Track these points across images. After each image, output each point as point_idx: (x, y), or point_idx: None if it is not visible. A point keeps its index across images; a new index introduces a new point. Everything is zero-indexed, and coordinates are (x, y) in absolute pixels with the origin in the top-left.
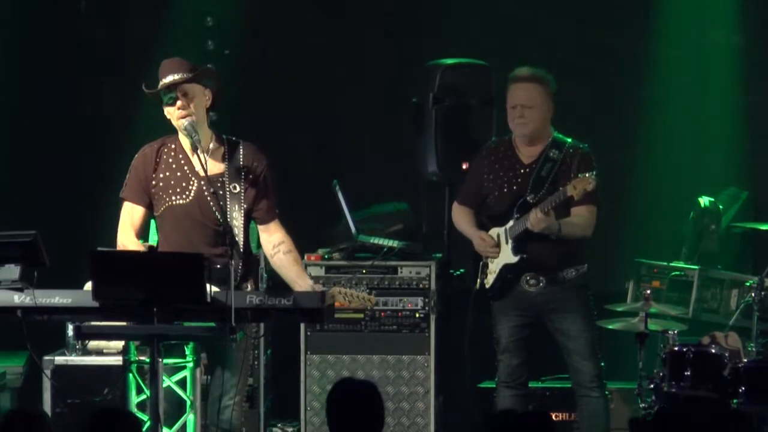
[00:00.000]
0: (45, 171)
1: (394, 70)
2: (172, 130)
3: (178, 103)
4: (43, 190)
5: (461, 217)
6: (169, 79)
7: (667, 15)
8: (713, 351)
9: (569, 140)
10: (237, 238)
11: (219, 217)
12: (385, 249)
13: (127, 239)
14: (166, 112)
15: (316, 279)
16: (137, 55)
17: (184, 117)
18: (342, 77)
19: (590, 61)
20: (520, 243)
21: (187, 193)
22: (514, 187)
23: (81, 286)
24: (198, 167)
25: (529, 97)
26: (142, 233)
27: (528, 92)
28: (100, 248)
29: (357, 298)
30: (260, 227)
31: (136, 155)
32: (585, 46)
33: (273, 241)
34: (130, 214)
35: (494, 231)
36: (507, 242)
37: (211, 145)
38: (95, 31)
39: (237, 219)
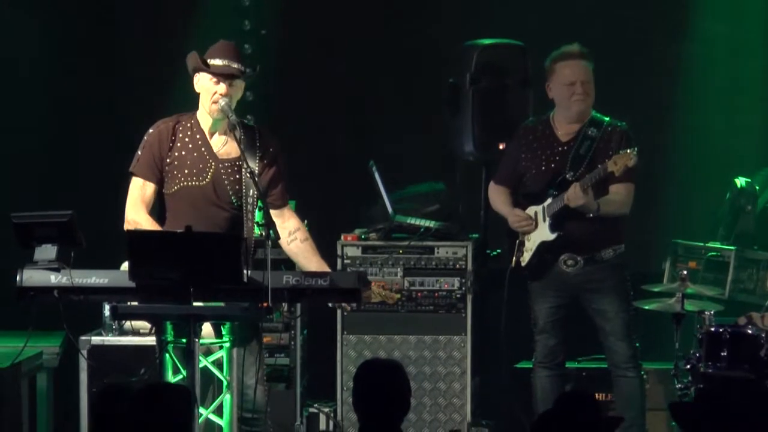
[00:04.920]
0: (82, 151)
1: (430, 50)
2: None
3: (224, 88)
4: (80, 170)
5: (497, 197)
6: (223, 62)
7: None
8: (750, 331)
9: (607, 119)
10: (251, 223)
11: (235, 200)
12: (422, 229)
13: (139, 216)
14: (198, 86)
15: (353, 259)
16: (174, 35)
17: (224, 95)
18: (379, 58)
19: (625, 41)
20: (558, 220)
21: (204, 174)
22: (552, 165)
23: (117, 266)
24: (216, 149)
25: (586, 71)
26: (151, 210)
27: (585, 68)
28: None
29: (378, 296)
30: (273, 213)
31: (150, 131)
32: (619, 26)
33: (288, 228)
34: (142, 190)
35: (531, 209)
36: (544, 220)
37: (229, 128)
38: (131, 10)
39: (252, 204)
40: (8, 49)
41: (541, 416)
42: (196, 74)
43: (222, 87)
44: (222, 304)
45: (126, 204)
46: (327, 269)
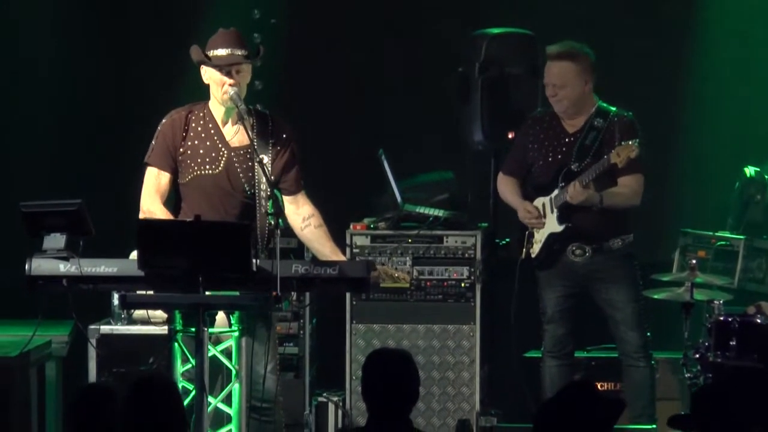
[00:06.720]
0: (91, 140)
1: (440, 39)
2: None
3: (231, 79)
4: (89, 159)
5: (506, 187)
6: (225, 52)
7: None
8: (759, 321)
9: (614, 109)
10: (264, 209)
11: (248, 189)
12: (431, 218)
13: (154, 206)
14: (207, 78)
15: (361, 248)
16: (183, 26)
17: (232, 86)
18: (388, 47)
19: (634, 29)
20: (565, 212)
21: (216, 163)
22: (559, 156)
23: (126, 255)
24: (229, 137)
25: (559, 75)
26: (166, 200)
27: (559, 70)
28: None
29: (389, 278)
30: (287, 199)
31: (164, 121)
32: (628, 13)
33: (302, 214)
34: (157, 180)
35: (539, 201)
36: (552, 211)
37: (239, 118)
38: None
39: (265, 191)
40: (21, 48)
41: (543, 406)
42: (202, 66)
43: (229, 78)
44: (233, 293)
45: (141, 194)
46: (341, 255)
